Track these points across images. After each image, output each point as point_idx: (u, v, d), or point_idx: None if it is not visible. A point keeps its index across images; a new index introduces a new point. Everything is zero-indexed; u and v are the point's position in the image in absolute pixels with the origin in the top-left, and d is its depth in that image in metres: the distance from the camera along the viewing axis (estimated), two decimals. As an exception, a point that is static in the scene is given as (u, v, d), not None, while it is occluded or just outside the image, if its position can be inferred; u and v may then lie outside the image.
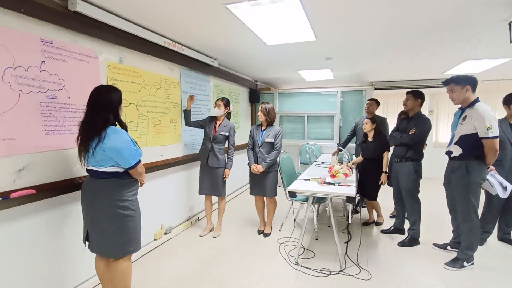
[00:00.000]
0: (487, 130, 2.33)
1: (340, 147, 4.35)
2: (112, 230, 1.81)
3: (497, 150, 2.40)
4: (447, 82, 2.59)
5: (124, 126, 1.88)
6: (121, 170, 1.81)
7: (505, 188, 2.57)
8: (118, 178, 1.81)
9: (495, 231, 3.16)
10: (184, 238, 3.34)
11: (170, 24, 2.58)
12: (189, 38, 3.02)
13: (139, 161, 1.83)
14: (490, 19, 2.40)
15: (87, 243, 1.89)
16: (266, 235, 3.39)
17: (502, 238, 3.18)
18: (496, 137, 2.36)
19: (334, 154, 4.34)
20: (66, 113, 2.09)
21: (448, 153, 2.67)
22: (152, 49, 2.85)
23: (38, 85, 1.89)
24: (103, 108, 1.77)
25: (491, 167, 2.56)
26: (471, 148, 2.47)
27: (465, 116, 2.49)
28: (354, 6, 2.18)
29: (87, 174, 1.87)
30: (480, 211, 3.00)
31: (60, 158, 2.05)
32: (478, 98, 2.48)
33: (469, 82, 2.48)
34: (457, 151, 2.56)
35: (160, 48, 2.91)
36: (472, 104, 2.47)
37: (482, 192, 2.77)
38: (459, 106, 2.62)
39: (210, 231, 3.47)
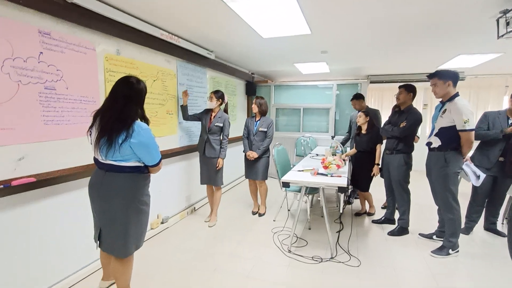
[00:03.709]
0: (464, 123, 2.46)
1: (338, 141, 4.43)
2: (132, 227, 1.78)
3: (472, 142, 2.54)
4: (431, 76, 2.69)
5: (147, 120, 1.84)
6: (142, 164, 1.80)
7: (478, 177, 2.69)
8: (141, 173, 1.80)
9: (481, 221, 3.28)
10: (181, 227, 3.42)
11: (167, 16, 2.60)
12: (186, 31, 3.05)
13: (161, 157, 1.85)
14: (479, 16, 2.46)
15: (98, 242, 1.85)
16: (260, 215, 3.79)
17: (488, 228, 3.29)
18: (472, 130, 2.50)
19: (336, 147, 4.37)
20: (64, 103, 2.13)
21: (428, 144, 2.78)
22: (149, 41, 2.87)
23: (36, 76, 1.93)
24: (133, 101, 1.74)
25: (466, 157, 2.68)
26: (449, 140, 2.59)
27: (445, 110, 2.61)
28: (348, 2, 2.22)
29: (94, 165, 1.83)
30: (466, 200, 3.13)
31: (58, 147, 2.10)
32: (458, 92, 2.60)
33: (451, 77, 2.58)
34: (436, 142, 2.68)
35: (157, 40, 2.93)
36: (452, 98, 2.58)
37: (467, 184, 2.87)
38: (440, 99, 2.72)
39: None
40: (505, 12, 2.09)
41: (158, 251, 2.82)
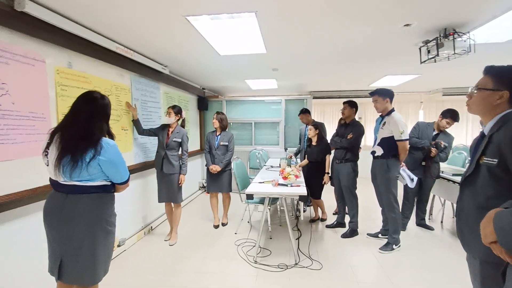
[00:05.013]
0: (401, 134, 2.92)
1: (291, 152, 4.71)
2: (100, 251, 1.65)
3: (407, 150, 3.03)
4: (372, 94, 3.14)
5: (112, 136, 1.76)
6: (109, 183, 1.70)
7: (412, 180, 3.16)
8: (107, 192, 1.70)
9: (413, 218, 3.80)
10: (140, 249, 3.21)
11: (126, 30, 2.54)
12: (143, 45, 2.99)
13: (129, 174, 1.77)
14: (404, 44, 2.97)
15: (57, 274, 1.61)
16: (224, 224, 3.92)
17: (420, 223, 3.83)
18: (407, 139, 2.98)
19: (290, 157, 4.61)
20: (9, 120, 1.91)
21: (373, 152, 3.19)
22: (103, 54, 2.74)
23: (-23, 89, 1.71)
24: (97, 117, 1.66)
25: (402, 163, 3.15)
26: (390, 148, 3.03)
27: (384, 122, 3.06)
28: (301, 27, 2.49)
29: (49, 188, 1.66)
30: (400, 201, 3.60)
31: (3, 170, 1.85)
32: (393, 108, 3.09)
33: (389, 95, 3.08)
34: (379, 151, 3.09)
35: (111, 54, 2.81)
36: (390, 112, 3.05)
37: (400, 186, 3.33)
38: (380, 114, 3.17)
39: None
40: (427, 42, 2.58)
41: (120, 276, 2.61)
